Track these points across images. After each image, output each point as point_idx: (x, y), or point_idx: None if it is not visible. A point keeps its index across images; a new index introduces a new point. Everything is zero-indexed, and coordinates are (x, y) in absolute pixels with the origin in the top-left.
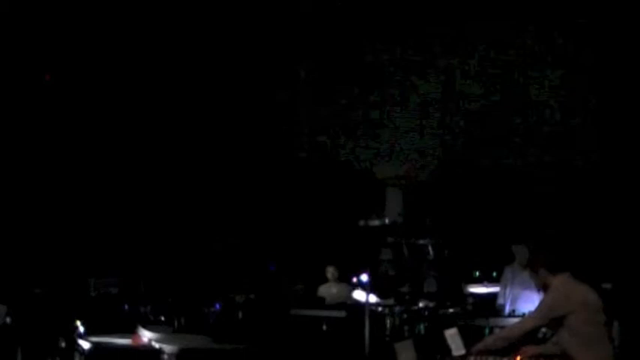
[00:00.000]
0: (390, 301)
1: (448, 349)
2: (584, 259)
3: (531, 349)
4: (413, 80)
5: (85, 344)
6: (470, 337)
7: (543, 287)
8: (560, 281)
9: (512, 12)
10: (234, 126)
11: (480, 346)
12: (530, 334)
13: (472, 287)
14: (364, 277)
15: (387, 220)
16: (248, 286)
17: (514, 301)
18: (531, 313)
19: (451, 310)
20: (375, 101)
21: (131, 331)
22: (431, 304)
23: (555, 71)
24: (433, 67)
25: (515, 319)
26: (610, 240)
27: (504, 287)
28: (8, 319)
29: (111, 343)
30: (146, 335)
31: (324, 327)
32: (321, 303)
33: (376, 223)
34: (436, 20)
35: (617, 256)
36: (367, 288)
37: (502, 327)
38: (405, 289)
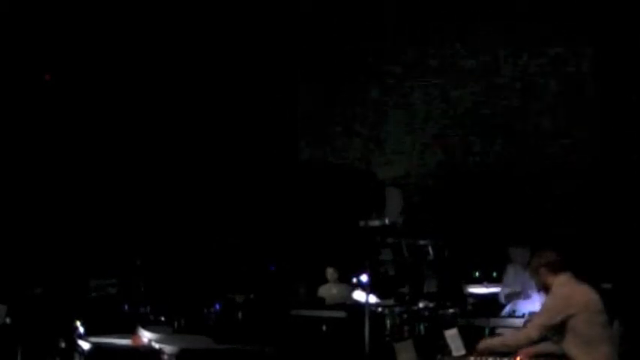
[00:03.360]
0: (390, 302)
1: (448, 350)
2: (584, 259)
3: (531, 349)
4: (414, 81)
5: (85, 345)
6: (470, 337)
7: (544, 287)
8: (561, 282)
9: (514, 13)
10: (234, 127)
11: (485, 344)
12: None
13: (472, 287)
14: (364, 278)
15: (387, 221)
16: (248, 286)
17: (515, 302)
18: (535, 320)
19: (451, 311)
20: (375, 102)
21: (131, 332)
22: (431, 305)
23: (556, 73)
24: (434, 68)
25: (516, 320)
26: (610, 240)
27: (507, 286)
28: (8, 320)
29: (111, 343)
30: (146, 336)
31: (324, 327)
32: (321, 304)
33: (376, 223)
34: (436, 21)
35: (617, 256)
36: (367, 288)
37: (502, 327)
38: (405, 289)
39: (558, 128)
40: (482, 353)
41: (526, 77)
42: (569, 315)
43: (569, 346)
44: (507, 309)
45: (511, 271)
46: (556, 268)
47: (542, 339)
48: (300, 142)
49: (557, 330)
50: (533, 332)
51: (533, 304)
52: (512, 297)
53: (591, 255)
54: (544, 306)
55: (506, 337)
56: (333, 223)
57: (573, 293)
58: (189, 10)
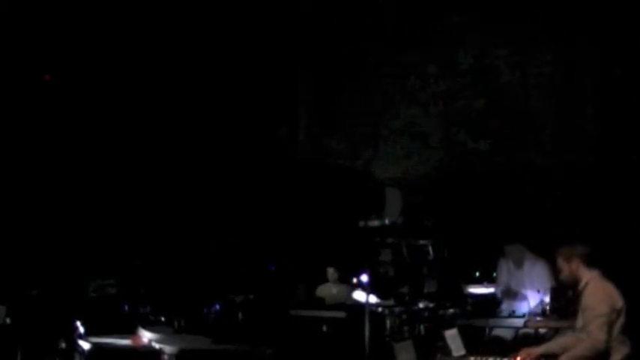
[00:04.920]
0: (390, 302)
1: (448, 350)
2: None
3: (532, 350)
4: (413, 81)
5: (85, 345)
6: (470, 337)
7: (570, 280)
8: (594, 277)
9: (515, 13)
10: (234, 126)
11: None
12: (532, 336)
13: (472, 288)
14: (364, 278)
15: (386, 221)
16: (248, 286)
17: (510, 301)
18: (594, 325)
19: (451, 311)
20: (375, 102)
21: (131, 332)
22: (431, 305)
23: (556, 72)
24: (434, 68)
25: (515, 320)
26: (610, 240)
27: (500, 281)
28: (8, 320)
29: (111, 343)
30: (146, 336)
31: (324, 328)
32: (321, 304)
33: (376, 223)
34: (436, 20)
35: (617, 256)
36: (367, 289)
37: (502, 327)
38: (404, 289)
39: (559, 129)
40: (481, 354)
41: (526, 78)
42: (616, 309)
43: None
44: (503, 307)
45: (504, 267)
46: (589, 262)
47: (543, 338)
48: (299, 142)
49: (579, 325)
50: (601, 335)
51: (527, 303)
52: (508, 295)
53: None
54: (593, 305)
55: (574, 353)
56: (332, 223)
57: (609, 289)
58: (189, 9)
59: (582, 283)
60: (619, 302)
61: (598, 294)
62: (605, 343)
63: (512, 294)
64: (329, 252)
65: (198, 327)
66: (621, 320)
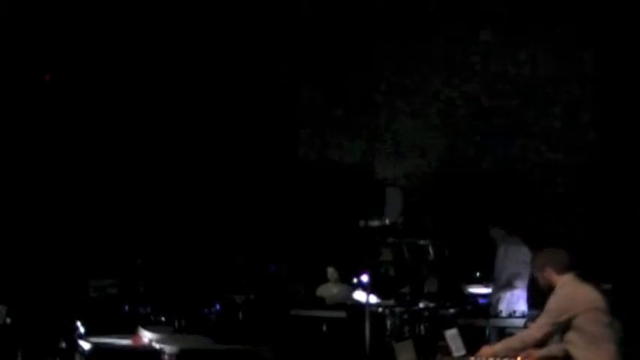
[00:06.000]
0: (391, 302)
1: (448, 350)
2: (584, 259)
3: (534, 352)
4: (414, 81)
5: (86, 345)
6: (470, 337)
7: (547, 286)
8: (565, 281)
9: (514, 12)
10: (234, 127)
11: (488, 351)
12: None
13: (472, 288)
14: (364, 278)
15: (387, 221)
16: (248, 286)
17: (494, 283)
18: (539, 320)
19: (451, 311)
20: (376, 102)
21: (131, 332)
22: (431, 305)
23: (554, 72)
24: (434, 68)
25: (515, 320)
26: (610, 240)
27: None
28: (8, 320)
29: (111, 343)
30: (146, 336)
31: (325, 327)
32: (321, 304)
33: (376, 223)
34: (436, 20)
35: (617, 256)
36: (367, 288)
37: (502, 327)
38: (405, 289)
39: (559, 129)
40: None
41: (527, 77)
42: (574, 314)
43: (574, 345)
44: (499, 303)
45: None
46: (563, 268)
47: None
48: (299, 142)
49: (562, 329)
50: (537, 332)
51: (497, 284)
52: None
53: (591, 255)
54: (548, 306)
55: (509, 341)
56: (333, 223)
57: (577, 292)
58: (189, 10)
59: (555, 289)
60: (591, 303)
61: (562, 299)
62: (534, 341)
63: (494, 276)
64: (329, 252)
65: (198, 327)
66: (604, 319)
